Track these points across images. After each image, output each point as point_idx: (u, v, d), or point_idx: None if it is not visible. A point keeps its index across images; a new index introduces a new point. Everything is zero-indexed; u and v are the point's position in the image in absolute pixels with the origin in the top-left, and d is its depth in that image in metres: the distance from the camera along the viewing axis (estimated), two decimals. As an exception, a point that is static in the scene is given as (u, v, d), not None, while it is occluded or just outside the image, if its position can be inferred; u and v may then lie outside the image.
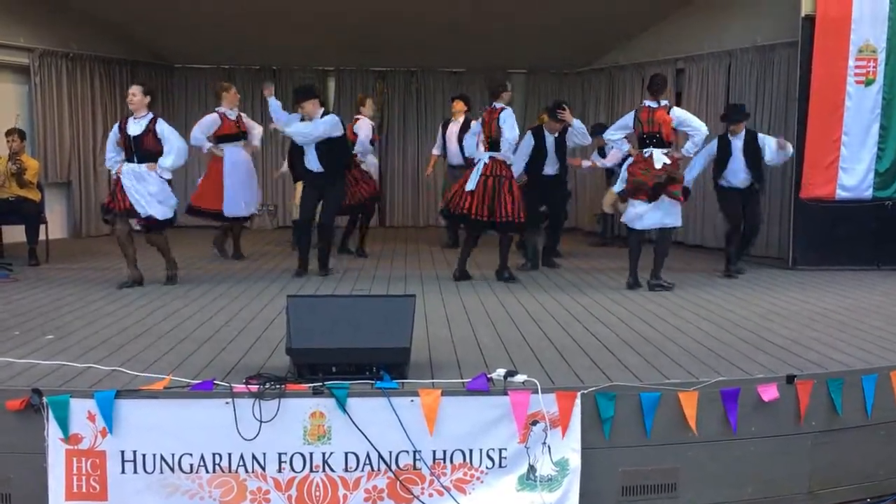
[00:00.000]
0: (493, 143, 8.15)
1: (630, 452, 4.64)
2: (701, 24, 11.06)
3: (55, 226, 10.58)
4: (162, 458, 4.40)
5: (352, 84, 13.59)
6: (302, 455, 4.45)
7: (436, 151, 11.27)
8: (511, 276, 8.34)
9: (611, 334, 6.01)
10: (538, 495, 4.55)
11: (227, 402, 4.40)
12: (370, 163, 10.24)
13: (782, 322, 6.47)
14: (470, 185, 8.15)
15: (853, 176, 9.10)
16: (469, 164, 8.84)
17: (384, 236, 10.21)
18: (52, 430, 4.36)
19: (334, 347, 4.60)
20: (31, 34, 10.91)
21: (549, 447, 4.54)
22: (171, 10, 11.10)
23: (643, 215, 7.73)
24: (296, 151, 8.84)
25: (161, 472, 4.41)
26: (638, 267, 7.90)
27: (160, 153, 7.55)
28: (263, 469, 4.44)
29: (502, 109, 8.12)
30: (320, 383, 4.47)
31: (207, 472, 4.42)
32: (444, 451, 4.51)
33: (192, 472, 4.42)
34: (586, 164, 10.51)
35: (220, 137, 9.36)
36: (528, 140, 9.08)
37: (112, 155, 7.73)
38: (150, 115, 7.60)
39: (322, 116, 8.33)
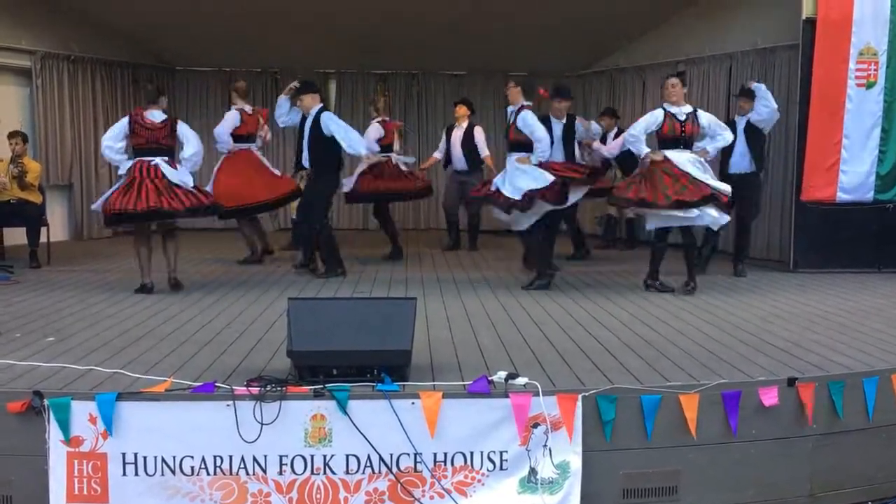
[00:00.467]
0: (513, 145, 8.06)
1: (631, 455, 4.64)
2: (702, 26, 11.05)
3: (56, 228, 10.58)
4: (163, 460, 4.40)
5: (353, 87, 13.61)
6: (303, 457, 4.45)
7: (437, 155, 11.26)
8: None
9: (612, 337, 6.00)
10: (539, 498, 4.55)
11: (228, 405, 4.40)
12: (403, 162, 10.38)
13: (783, 324, 6.47)
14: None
15: (854, 178, 9.09)
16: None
17: (385, 239, 10.22)
18: (54, 433, 4.36)
19: (335, 350, 4.60)
20: (32, 37, 10.93)
21: (550, 450, 4.53)
22: (173, 12, 11.10)
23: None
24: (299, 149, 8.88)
25: (162, 475, 4.41)
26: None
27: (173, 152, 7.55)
28: (264, 471, 4.44)
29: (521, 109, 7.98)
30: (321, 386, 4.47)
31: (208, 474, 4.42)
32: (445, 454, 4.51)
33: (193, 474, 4.42)
34: (597, 146, 9.82)
35: (237, 137, 9.30)
36: None
37: (120, 146, 7.42)
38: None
39: (321, 112, 8.37)
